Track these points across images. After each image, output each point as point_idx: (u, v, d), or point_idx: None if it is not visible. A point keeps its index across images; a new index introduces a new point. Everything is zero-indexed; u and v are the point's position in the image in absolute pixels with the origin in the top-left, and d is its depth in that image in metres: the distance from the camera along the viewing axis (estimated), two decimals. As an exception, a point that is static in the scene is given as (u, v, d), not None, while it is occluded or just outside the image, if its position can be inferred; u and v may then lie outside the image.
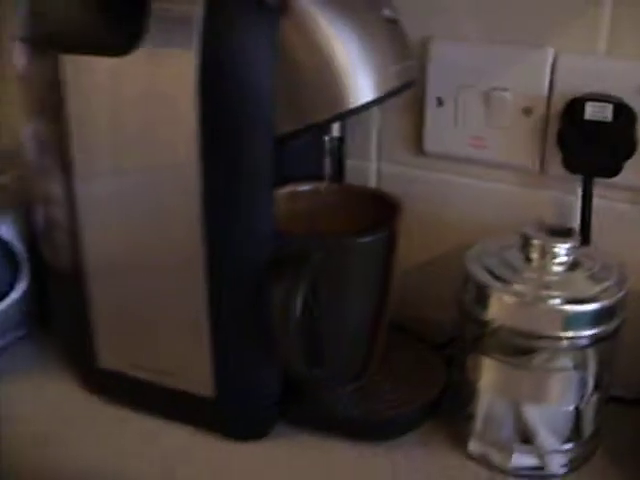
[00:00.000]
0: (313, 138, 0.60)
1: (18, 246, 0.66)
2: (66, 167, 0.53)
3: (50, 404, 0.63)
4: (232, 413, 0.57)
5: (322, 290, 0.53)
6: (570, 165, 0.58)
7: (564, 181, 0.59)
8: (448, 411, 0.59)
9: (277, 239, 0.51)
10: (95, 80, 0.50)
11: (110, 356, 0.59)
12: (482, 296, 0.52)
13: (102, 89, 0.50)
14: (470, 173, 0.64)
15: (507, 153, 0.61)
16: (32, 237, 0.66)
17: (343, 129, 0.62)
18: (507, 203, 0.63)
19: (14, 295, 0.67)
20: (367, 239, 0.55)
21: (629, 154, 0.56)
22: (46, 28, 0.53)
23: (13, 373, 0.67)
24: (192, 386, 0.56)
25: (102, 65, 0.49)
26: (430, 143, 0.64)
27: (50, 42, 0.52)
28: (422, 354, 0.65)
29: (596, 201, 0.58)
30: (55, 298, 0.65)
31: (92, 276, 0.56)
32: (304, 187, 0.62)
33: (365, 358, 0.60)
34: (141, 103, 0.49)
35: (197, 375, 0.56)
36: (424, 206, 0.66)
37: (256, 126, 0.47)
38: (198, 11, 0.45)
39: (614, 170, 0.56)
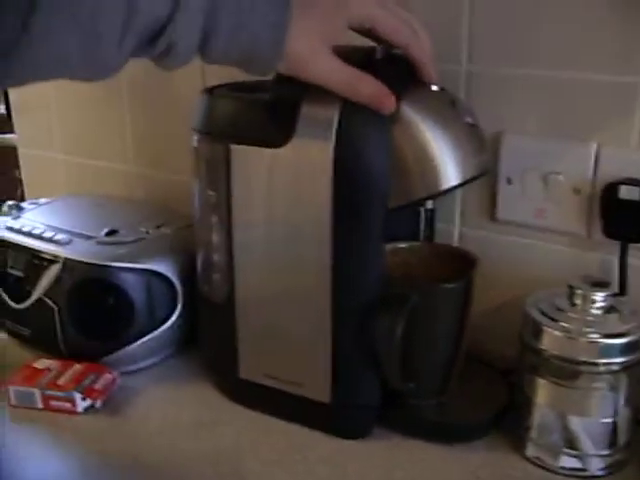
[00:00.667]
0: (412, 209, 0.76)
1: (176, 282, 0.83)
2: (227, 224, 0.70)
3: (195, 409, 0.78)
4: (343, 416, 0.71)
5: (416, 323, 0.66)
6: (610, 233, 0.71)
7: (606, 245, 0.72)
8: (510, 423, 0.71)
9: (385, 282, 0.66)
10: (254, 163, 0.66)
11: (249, 368, 0.74)
12: (537, 331, 0.66)
13: (260, 171, 0.66)
14: (533, 237, 0.77)
15: (562, 222, 0.74)
16: (188, 275, 0.83)
17: (435, 201, 0.76)
18: (561, 262, 0.75)
19: (170, 322, 0.84)
20: (450, 286, 0.69)
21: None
22: (219, 124, 0.71)
23: (165, 384, 0.83)
24: (313, 393, 0.71)
25: (261, 153, 0.66)
26: (502, 213, 0.78)
27: (221, 134, 0.69)
28: (490, 378, 0.77)
29: (631, 260, 0.71)
30: (205, 324, 0.81)
31: (240, 306, 0.72)
32: (403, 245, 0.76)
33: (446, 378, 0.73)
34: (289, 182, 0.65)
35: (318, 385, 0.70)
36: (496, 262, 0.78)
37: (374, 202, 0.63)
38: (336, 115, 0.62)
39: (644, 237, 0.70)
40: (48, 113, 1.16)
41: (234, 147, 0.67)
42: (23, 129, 1.23)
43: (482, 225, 0.80)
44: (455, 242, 0.82)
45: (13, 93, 1.21)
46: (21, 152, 1.24)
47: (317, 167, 0.63)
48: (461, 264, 0.72)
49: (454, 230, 0.82)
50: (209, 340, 0.81)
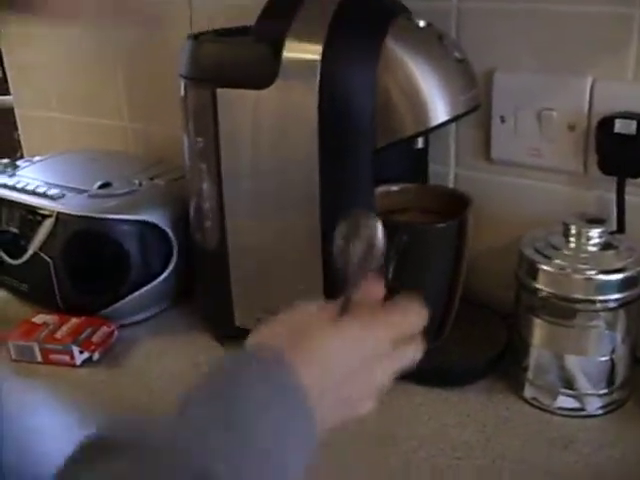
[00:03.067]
0: (405, 149, 0.74)
1: (170, 233, 0.83)
2: (216, 171, 0.70)
3: (192, 358, 0.78)
4: None
5: (409, 264, 0.65)
6: (606, 169, 0.70)
7: (603, 182, 0.71)
8: (507, 366, 0.71)
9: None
10: (240, 106, 0.66)
11: (243, 315, 0.75)
12: (532, 270, 0.65)
13: (246, 113, 0.66)
14: (528, 176, 0.76)
15: (557, 160, 0.73)
16: (182, 226, 0.82)
17: (426, 142, 0.75)
18: (558, 201, 0.74)
19: (166, 273, 0.84)
20: (442, 225, 0.68)
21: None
22: (204, 68, 0.70)
23: (163, 335, 0.83)
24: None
25: (246, 95, 0.65)
26: (496, 152, 0.77)
27: (207, 79, 0.69)
28: (488, 321, 0.77)
29: (629, 198, 0.70)
30: (200, 273, 0.81)
31: (232, 251, 0.72)
32: (395, 187, 0.74)
33: (442, 321, 0.72)
34: (276, 124, 0.65)
35: None
36: (492, 203, 0.78)
37: (360, 141, 0.62)
38: (319, 54, 0.61)
39: None
40: (43, 74, 1.15)
41: (220, 91, 0.67)
42: (19, 90, 1.22)
43: (477, 165, 0.79)
44: (450, 183, 0.81)
45: (8, 55, 1.21)
46: (18, 113, 1.23)
47: (302, 107, 0.63)
48: (455, 205, 0.70)
49: (449, 171, 0.81)
50: (204, 289, 0.82)
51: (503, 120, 0.75)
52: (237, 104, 0.66)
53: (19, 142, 1.25)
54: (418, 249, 0.67)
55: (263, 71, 0.64)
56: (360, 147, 0.63)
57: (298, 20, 0.63)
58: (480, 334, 0.76)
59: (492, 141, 0.77)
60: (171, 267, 0.83)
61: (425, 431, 0.66)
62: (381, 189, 0.72)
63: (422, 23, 0.65)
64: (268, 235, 0.70)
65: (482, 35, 0.74)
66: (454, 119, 0.65)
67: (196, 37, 0.72)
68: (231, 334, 0.77)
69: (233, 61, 0.67)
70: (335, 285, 0.63)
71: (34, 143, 1.23)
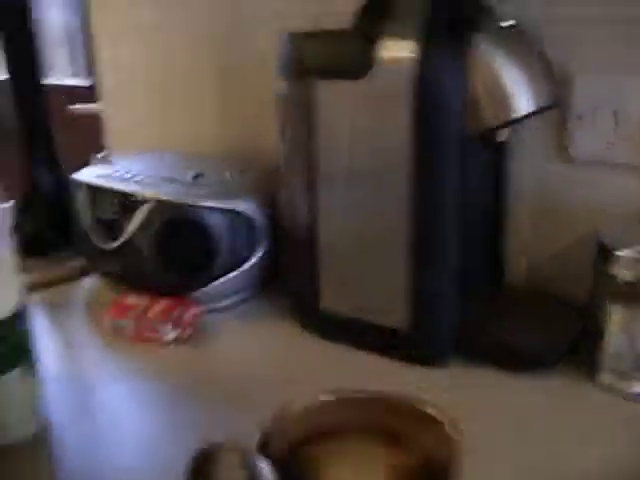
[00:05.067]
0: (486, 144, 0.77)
1: (258, 222, 0.88)
2: (311, 163, 0.74)
3: (277, 343, 0.82)
4: (421, 344, 0.74)
5: None
6: None
7: None
8: (582, 353, 0.73)
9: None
10: (337, 97, 0.71)
11: (331, 301, 0.78)
12: (609, 256, 0.68)
13: (342, 104, 0.70)
14: (605, 172, 0.78)
15: (633, 157, 0.76)
16: (269, 216, 0.87)
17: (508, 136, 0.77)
18: (634, 197, 0.77)
19: (253, 260, 0.88)
20: None
21: None
22: (302, 64, 0.75)
23: (248, 320, 0.88)
24: (391, 321, 0.74)
25: (342, 86, 0.70)
26: (574, 150, 0.80)
27: (306, 73, 0.73)
28: (564, 311, 0.79)
29: None
30: (288, 261, 0.85)
31: (323, 241, 0.76)
32: (327, 397, 0.48)
33: None
34: (370, 113, 0.69)
35: (396, 312, 0.73)
36: (569, 199, 0.80)
37: (451, 131, 0.67)
38: (414, 46, 0.65)
39: None
40: (132, 81, 1.21)
41: (317, 83, 0.71)
42: (107, 98, 1.28)
43: (554, 163, 0.82)
44: (527, 181, 0.84)
45: (99, 65, 1.27)
46: (105, 118, 1.29)
47: (396, 98, 0.67)
48: (423, 426, 0.44)
49: (525, 169, 0.84)
50: (292, 277, 0.85)
51: (581, 118, 0.78)
52: (336, 95, 0.71)
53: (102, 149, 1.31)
54: None
55: (360, 63, 0.68)
56: (451, 137, 0.67)
57: (393, 17, 0.68)
58: (555, 323, 0.78)
59: (569, 139, 0.80)
60: (258, 255, 0.88)
61: (499, 415, 0.68)
62: (303, 404, 0.46)
63: (507, 22, 0.69)
64: (359, 223, 0.74)
65: (562, 37, 0.78)
66: (537, 112, 0.68)
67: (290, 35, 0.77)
68: (317, 321, 0.81)
69: (332, 54, 0.72)
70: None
71: (120, 148, 1.29)
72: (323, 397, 0.47)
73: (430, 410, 0.44)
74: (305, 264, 0.79)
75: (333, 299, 0.78)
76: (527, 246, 0.85)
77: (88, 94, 1.47)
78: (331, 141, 0.72)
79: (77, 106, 1.47)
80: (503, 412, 0.68)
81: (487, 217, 0.82)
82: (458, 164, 0.69)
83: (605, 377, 0.71)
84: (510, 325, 0.77)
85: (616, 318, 0.69)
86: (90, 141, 1.33)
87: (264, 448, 0.38)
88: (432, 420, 0.43)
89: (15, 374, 0.64)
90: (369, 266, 0.74)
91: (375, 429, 0.44)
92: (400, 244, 0.71)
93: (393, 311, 0.74)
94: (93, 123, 1.36)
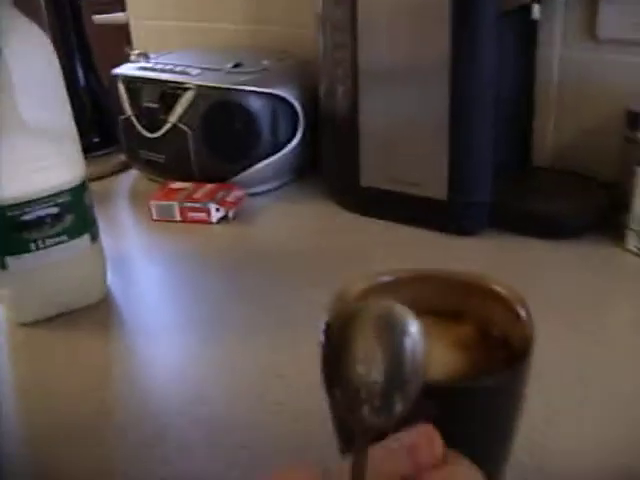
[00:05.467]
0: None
1: (298, 107, 0.91)
2: (353, 44, 0.77)
3: (317, 221, 0.87)
4: (458, 213, 0.78)
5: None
6: None
7: None
8: (610, 224, 0.77)
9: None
10: None
11: (369, 176, 0.82)
12: (635, 122, 0.72)
13: None
14: (634, 53, 0.80)
15: None
16: (309, 102, 0.91)
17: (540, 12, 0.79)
18: None
19: (293, 143, 0.92)
20: (490, 383, 0.36)
21: None
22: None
23: (290, 201, 0.92)
24: (430, 192, 0.78)
25: None
26: (602, 31, 0.81)
27: None
28: (591, 187, 0.82)
29: None
30: (328, 142, 0.89)
31: (362, 120, 0.80)
32: (386, 277, 0.44)
33: None
34: None
35: (435, 184, 0.77)
36: (597, 81, 0.82)
37: (485, 10, 0.70)
38: None
39: None
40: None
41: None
42: (134, 3, 1.30)
43: (581, 43, 0.84)
44: (555, 61, 0.86)
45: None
46: (133, 24, 1.31)
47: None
48: (476, 298, 0.42)
49: (554, 50, 0.86)
50: (331, 160, 0.89)
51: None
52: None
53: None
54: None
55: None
56: (487, 13, 0.70)
57: None
58: (582, 195, 0.82)
59: (598, 20, 0.81)
60: (298, 138, 0.92)
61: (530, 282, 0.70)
62: (361, 282, 0.44)
63: None
64: (398, 103, 0.77)
65: None
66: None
67: None
68: (356, 199, 0.85)
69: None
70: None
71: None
72: (381, 277, 0.44)
73: (495, 286, 0.41)
74: (346, 146, 0.83)
75: (373, 176, 0.82)
76: (554, 126, 0.88)
77: (111, 5, 1.48)
78: (370, 22, 0.75)
79: (101, 16, 1.48)
80: (535, 275, 0.72)
81: (518, 97, 0.85)
82: (494, 40, 0.72)
83: (632, 241, 0.75)
84: (539, 198, 0.81)
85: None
86: (116, 51, 1.35)
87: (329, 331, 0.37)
88: (497, 296, 0.41)
89: (86, 239, 0.68)
90: (409, 144, 0.78)
91: (438, 307, 0.41)
92: (439, 120, 0.74)
93: (432, 183, 0.78)
94: (117, 33, 1.38)
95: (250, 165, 0.90)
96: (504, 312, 0.40)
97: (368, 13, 0.75)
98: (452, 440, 0.33)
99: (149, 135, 0.94)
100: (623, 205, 0.75)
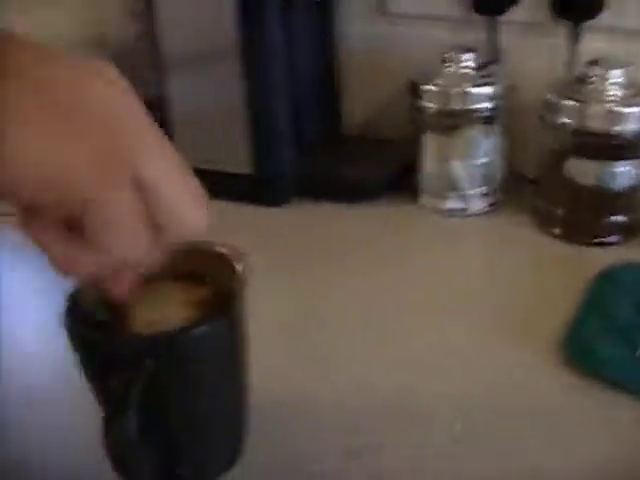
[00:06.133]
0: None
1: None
2: (155, 46, 0.80)
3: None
4: (265, 186, 0.83)
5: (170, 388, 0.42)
6: (479, 9, 0.82)
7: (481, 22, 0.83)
8: (405, 184, 0.83)
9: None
10: None
11: (184, 157, 0.86)
12: (418, 91, 0.78)
13: None
14: (419, 24, 0.86)
15: (444, 9, 0.85)
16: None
17: None
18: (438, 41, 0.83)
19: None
20: (202, 329, 0.40)
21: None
22: None
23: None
24: (236, 168, 0.82)
25: None
26: (392, 4, 0.87)
27: None
28: (385, 149, 0.89)
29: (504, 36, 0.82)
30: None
31: (172, 107, 0.83)
32: None
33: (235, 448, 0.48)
34: None
35: (240, 160, 0.81)
36: (386, 55, 0.88)
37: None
38: None
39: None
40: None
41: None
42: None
43: (375, 18, 0.90)
44: (353, 37, 0.91)
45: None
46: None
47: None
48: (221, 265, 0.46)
49: (350, 26, 0.91)
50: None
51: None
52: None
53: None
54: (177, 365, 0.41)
55: None
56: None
57: None
58: (381, 160, 0.87)
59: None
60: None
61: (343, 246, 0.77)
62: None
63: None
64: (200, 86, 0.82)
65: None
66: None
67: None
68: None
69: None
70: None
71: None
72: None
73: (220, 249, 0.46)
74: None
75: (188, 157, 0.85)
76: (357, 97, 0.93)
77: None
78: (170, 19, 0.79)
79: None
80: (339, 238, 0.78)
81: (319, 72, 0.90)
82: (280, 21, 0.77)
83: (424, 199, 0.83)
84: (340, 165, 0.86)
85: (432, 147, 0.80)
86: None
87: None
88: (223, 258, 0.45)
89: None
90: (213, 124, 0.82)
91: (178, 272, 0.45)
92: (236, 101, 0.79)
93: (237, 160, 0.83)
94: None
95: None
96: (228, 270, 0.44)
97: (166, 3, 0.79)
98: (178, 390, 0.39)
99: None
100: (417, 164, 0.82)
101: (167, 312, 0.43)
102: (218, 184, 0.81)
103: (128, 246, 0.31)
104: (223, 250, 0.46)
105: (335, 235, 0.79)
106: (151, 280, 0.40)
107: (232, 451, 0.47)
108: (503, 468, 0.47)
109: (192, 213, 0.33)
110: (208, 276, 0.46)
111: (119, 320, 0.41)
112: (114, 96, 0.30)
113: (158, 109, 0.83)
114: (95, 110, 0.29)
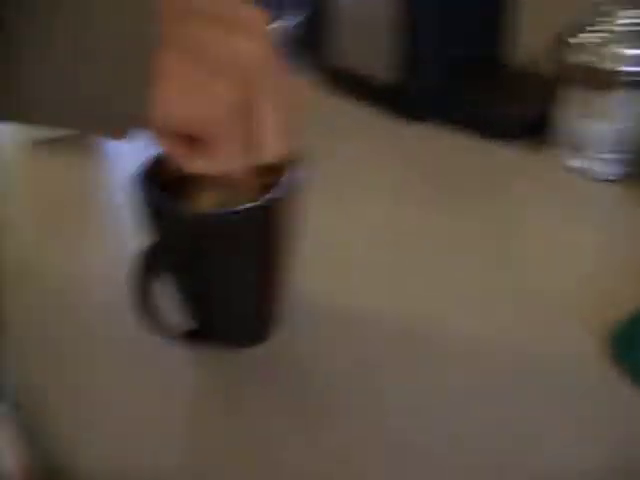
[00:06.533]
0: None
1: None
2: None
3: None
4: (402, 97, 0.85)
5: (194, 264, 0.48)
6: None
7: None
8: (542, 134, 0.80)
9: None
10: None
11: (339, 56, 0.90)
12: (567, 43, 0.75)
13: None
14: None
15: None
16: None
17: None
18: None
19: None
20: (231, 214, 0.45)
21: None
22: None
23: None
24: (381, 76, 0.85)
25: None
26: None
27: None
28: (536, 88, 0.85)
29: None
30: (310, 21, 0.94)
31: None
32: None
33: (259, 324, 0.55)
34: None
35: (385, 68, 0.83)
36: None
37: None
38: None
39: None
40: None
41: None
42: None
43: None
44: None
45: None
46: None
47: None
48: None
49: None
50: (314, 35, 0.96)
51: None
52: None
53: None
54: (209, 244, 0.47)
55: None
56: None
57: None
58: (528, 97, 0.85)
59: None
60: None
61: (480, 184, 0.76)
62: None
63: None
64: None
65: None
66: None
67: None
68: (330, 76, 0.92)
69: None
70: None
71: None
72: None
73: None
74: (323, 26, 0.90)
75: (341, 57, 0.90)
76: (526, 28, 0.90)
77: None
78: None
79: None
80: (459, 170, 0.78)
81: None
82: None
83: (558, 152, 0.80)
84: (486, 96, 0.85)
85: (573, 101, 0.77)
86: None
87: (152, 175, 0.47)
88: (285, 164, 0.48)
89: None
90: (369, 27, 0.85)
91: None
92: (392, 14, 0.81)
93: (384, 67, 0.85)
94: None
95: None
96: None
97: None
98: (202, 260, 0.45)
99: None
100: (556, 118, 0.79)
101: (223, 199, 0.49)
102: (361, 87, 0.87)
103: (229, 160, 0.40)
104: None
105: (457, 165, 0.79)
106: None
107: (247, 330, 0.53)
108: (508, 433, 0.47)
109: (275, 144, 0.40)
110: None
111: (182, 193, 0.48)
112: (252, 55, 0.37)
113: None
114: (233, 68, 0.37)
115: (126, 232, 0.65)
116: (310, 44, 0.99)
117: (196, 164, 0.40)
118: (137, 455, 0.45)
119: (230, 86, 0.37)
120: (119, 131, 0.36)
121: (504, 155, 0.80)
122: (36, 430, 0.47)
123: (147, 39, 0.34)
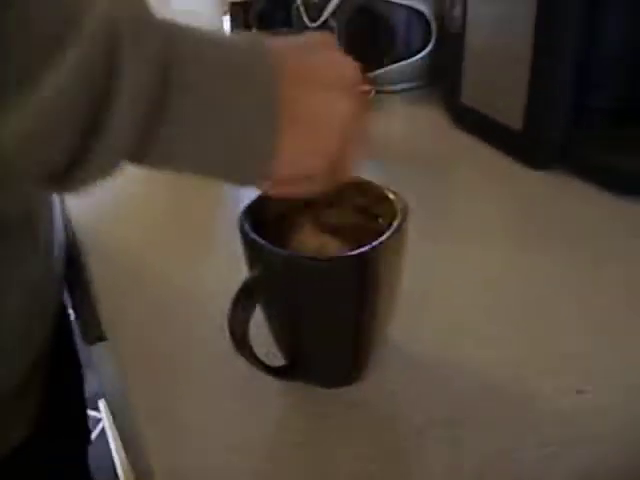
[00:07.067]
0: None
1: (431, 20, 0.99)
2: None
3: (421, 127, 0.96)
4: (527, 143, 0.82)
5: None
6: None
7: None
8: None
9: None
10: None
11: (470, 96, 0.90)
12: None
13: None
14: None
15: None
16: (440, 17, 0.99)
17: None
18: None
19: (423, 52, 1.01)
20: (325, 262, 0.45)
21: None
22: None
23: (407, 108, 1.02)
24: (509, 120, 0.83)
25: None
26: None
27: None
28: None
29: None
30: (444, 55, 0.97)
31: (469, 39, 0.86)
32: None
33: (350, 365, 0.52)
34: None
35: (514, 110, 0.81)
36: None
37: None
38: None
39: None
40: None
41: None
42: None
43: None
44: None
45: None
46: None
47: None
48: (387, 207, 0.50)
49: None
50: (444, 71, 0.97)
51: None
52: None
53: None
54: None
55: None
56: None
57: None
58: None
59: None
60: (427, 50, 1.00)
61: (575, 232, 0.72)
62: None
63: None
64: (497, 32, 0.83)
65: None
66: None
67: None
68: (458, 111, 0.93)
69: None
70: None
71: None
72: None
73: (387, 191, 0.50)
74: (454, 59, 0.91)
75: (471, 95, 0.89)
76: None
77: None
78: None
79: None
80: (575, 223, 0.73)
81: (630, 47, 0.81)
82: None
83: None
84: (617, 149, 0.79)
85: None
86: None
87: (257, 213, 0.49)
88: (388, 198, 0.50)
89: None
90: (502, 68, 0.83)
91: (344, 204, 0.53)
92: (525, 57, 0.79)
93: (512, 109, 0.82)
94: None
95: (384, 65, 1.01)
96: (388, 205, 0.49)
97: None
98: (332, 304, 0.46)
99: (311, 24, 1.08)
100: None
101: (323, 239, 0.51)
102: (487, 128, 0.86)
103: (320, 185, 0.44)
104: (391, 195, 0.50)
105: (575, 218, 0.74)
106: (316, 206, 0.51)
107: (339, 371, 0.53)
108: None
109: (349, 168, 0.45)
110: (381, 217, 0.50)
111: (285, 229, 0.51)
112: (347, 112, 0.42)
113: (459, 40, 0.87)
114: (331, 124, 0.42)
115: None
116: (438, 79, 1.00)
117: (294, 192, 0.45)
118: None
119: (331, 140, 0.42)
120: (249, 182, 0.42)
121: (627, 210, 0.74)
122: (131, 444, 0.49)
123: (273, 110, 0.39)
